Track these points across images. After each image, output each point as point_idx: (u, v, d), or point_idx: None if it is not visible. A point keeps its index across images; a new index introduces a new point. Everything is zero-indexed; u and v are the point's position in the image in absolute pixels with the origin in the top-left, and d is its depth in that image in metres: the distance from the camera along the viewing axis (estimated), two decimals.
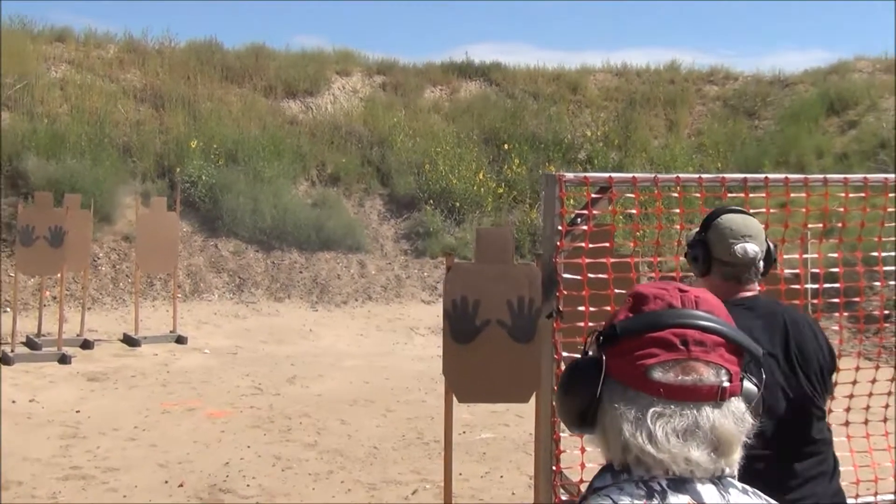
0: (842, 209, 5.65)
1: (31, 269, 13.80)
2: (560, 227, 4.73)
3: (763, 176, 4.99)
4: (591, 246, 4.92)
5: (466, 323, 6.12)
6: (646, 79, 26.24)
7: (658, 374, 1.79)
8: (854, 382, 6.01)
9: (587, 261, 4.89)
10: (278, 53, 24.54)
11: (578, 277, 4.86)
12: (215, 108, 21.19)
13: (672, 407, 1.78)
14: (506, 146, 22.41)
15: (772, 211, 5.27)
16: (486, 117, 23.44)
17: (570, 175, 4.76)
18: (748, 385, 1.87)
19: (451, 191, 20.67)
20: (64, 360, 12.72)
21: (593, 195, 4.88)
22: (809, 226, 5.72)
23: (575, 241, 4.87)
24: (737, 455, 1.83)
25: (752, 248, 3.67)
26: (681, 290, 1.88)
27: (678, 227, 5.31)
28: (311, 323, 16.31)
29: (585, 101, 25.21)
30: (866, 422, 6.16)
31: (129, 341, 14.09)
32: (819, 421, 3.76)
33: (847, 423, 5.98)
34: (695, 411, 1.78)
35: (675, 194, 4.83)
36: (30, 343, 13.38)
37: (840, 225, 5.59)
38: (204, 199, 18.76)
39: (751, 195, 4.97)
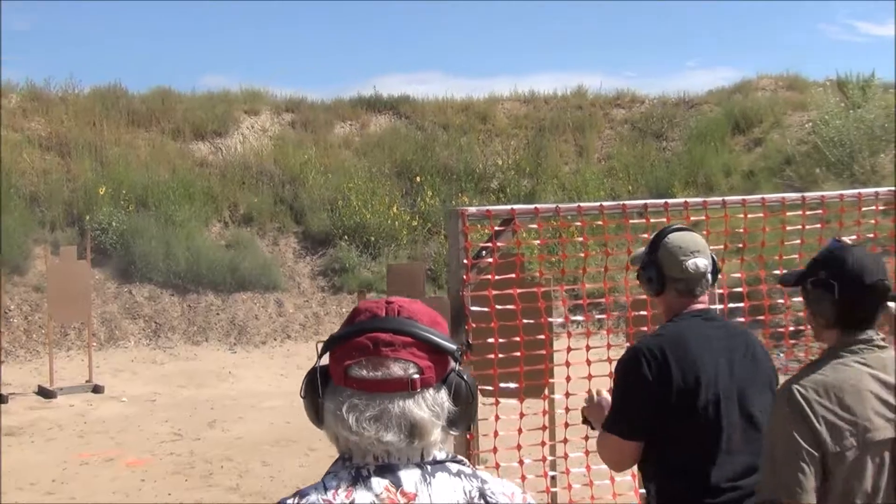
0: (742, 229, 5.77)
1: None
2: (466, 261, 4.78)
3: (662, 201, 5.09)
4: (497, 278, 4.97)
5: None
6: (554, 105, 26.50)
7: (354, 372, 2.09)
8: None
9: (494, 293, 4.94)
10: (185, 96, 24.43)
11: (487, 309, 4.91)
12: (123, 154, 21.02)
13: (364, 399, 2.08)
14: (418, 179, 22.51)
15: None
16: (397, 151, 23.53)
17: (472, 209, 4.82)
18: (455, 377, 2.14)
19: (365, 225, 20.69)
20: None
21: (497, 227, 4.94)
22: (711, 247, 5.81)
23: (482, 274, 4.92)
24: (434, 437, 2.12)
25: (703, 262, 3.83)
26: (388, 303, 2.18)
27: (583, 254, 5.39)
28: (230, 365, 16.19)
29: (495, 130, 25.39)
30: None
31: (45, 393, 13.87)
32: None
33: None
34: (386, 401, 2.08)
35: (579, 223, 4.90)
36: None
37: (741, 245, 5.72)
38: (115, 245, 18.57)
39: (652, 220, 5.07)
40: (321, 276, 20.07)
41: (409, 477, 2.09)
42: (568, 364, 4.97)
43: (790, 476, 3.19)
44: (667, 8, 63.02)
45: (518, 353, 5.04)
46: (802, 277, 3.51)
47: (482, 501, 2.13)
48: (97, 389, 14.13)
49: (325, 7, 57.00)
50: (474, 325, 4.79)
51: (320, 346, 2.18)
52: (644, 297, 5.17)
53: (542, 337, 5.12)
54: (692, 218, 5.29)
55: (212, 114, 23.30)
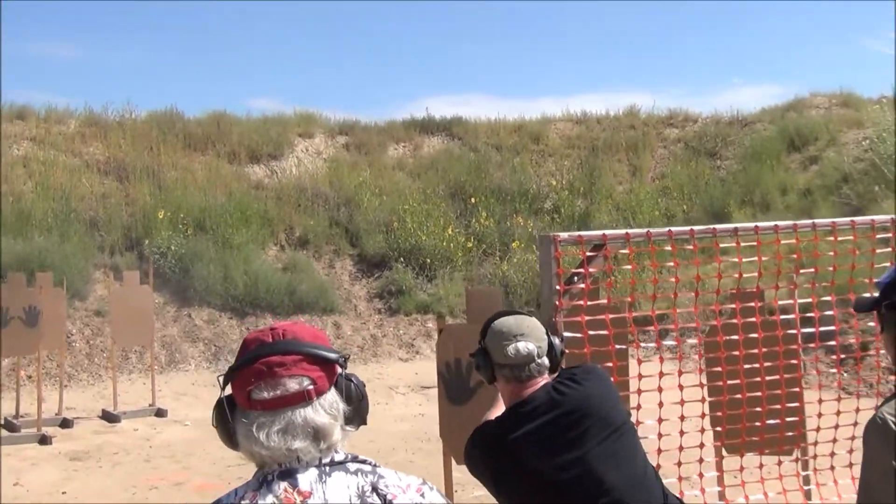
0: (814, 252, 5.70)
1: (8, 350, 13.58)
2: (558, 287, 4.75)
3: (753, 225, 5.04)
4: (589, 303, 4.94)
5: (461, 384, 6.12)
6: (606, 125, 26.46)
7: (256, 395, 2.39)
8: (838, 413, 5.99)
9: (586, 318, 4.91)
10: (240, 119, 24.66)
11: (580, 335, 4.87)
12: (180, 177, 21.19)
13: (270, 416, 2.38)
14: (472, 200, 22.53)
15: (752, 257, 5.31)
16: (450, 172, 23.57)
17: (564, 235, 4.79)
18: (344, 381, 2.48)
19: (420, 247, 20.71)
20: (44, 440, 12.57)
21: (588, 253, 4.91)
22: (781, 270, 5.75)
23: (573, 300, 4.89)
24: (336, 437, 2.43)
25: (525, 346, 3.70)
26: (272, 329, 2.49)
27: (674, 279, 5.34)
28: None
29: (548, 150, 25.38)
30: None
31: (109, 417, 13.93)
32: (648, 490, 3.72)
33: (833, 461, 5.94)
34: (289, 413, 2.38)
35: (669, 248, 4.86)
36: (8, 425, 13.19)
37: (813, 270, 5.64)
38: (174, 269, 18.69)
39: (742, 244, 5.02)
40: (377, 299, 20.09)
41: (307, 478, 2.38)
42: (660, 389, 4.92)
43: None
44: (712, 26, 62.85)
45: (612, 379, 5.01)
46: (877, 302, 3.39)
47: (374, 494, 2.41)
48: (160, 413, 14.18)
49: (373, 30, 57.32)
50: (567, 352, 4.75)
51: (221, 378, 2.47)
52: (734, 320, 5.13)
53: (630, 362, 5.09)
54: (783, 241, 5.22)
55: (266, 137, 23.47)
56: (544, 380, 3.76)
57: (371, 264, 20.93)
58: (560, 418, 3.66)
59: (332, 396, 2.44)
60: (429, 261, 20.59)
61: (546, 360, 3.77)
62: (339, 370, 2.48)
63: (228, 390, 2.46)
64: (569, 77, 58.89)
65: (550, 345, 3.81)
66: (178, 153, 22.18)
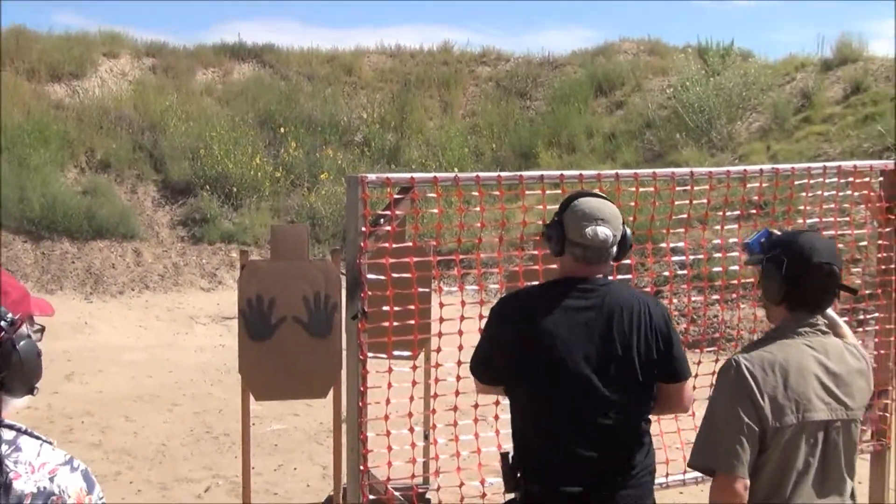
0: (617, 202, 5.78)
1: None
2: (364, 229, 4.71)
3: (559, 173, 5.09)
4: (394, 246, 4.92)
5: (262, 321, 6.07)
6: (420, 60, 26.43)
7: None
8: None
9: (391, 261, 4.89)
10: (41, 35, 23.63)
11: (383, 278, 4.85)
12: None
13: None
14: (282, 129, 22.24)
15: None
16: (260, 100, 23.19)
17: (372, 176, 4.73)
18: (6, 345, 2.30)
19: (227, 176, 20.37)
20: None
21: (395, 195, 4.88)
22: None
23: (378, 242, 4.86)
24: None
25: (603, 231, 3.72)
26: None
27: (479, 224, 5.37)
28: (86, 315, 15.75)
29: (361, 82, 25.24)
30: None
31: None
32: (639, 418, 3.82)
33: None
34: None
35: (476, 192, 4.87)
36: None
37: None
38: None
39: (548, 192, 5.07)
40: (181, 226, 19.69)
41: None
42: (461, 332, 4.96)
43: (729, 449, 3.30)
44: None
45: (413, 322, 5.02)
46: (763, 255, 3.61)
47: None
48: None
49: None
50: (370, 294, 4.73)
51: None
52: (535, 266, 5.19)
53: (434, 305, 5.12)
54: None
55: (69, 55, 22.60)
56: (607, 266, 3.87)
57: (175, 191, 20.48)
58: (610, 311, 3.72)
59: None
60: (235, 189, 20.29)
61: (614, 250, 3.83)
62: (4, 332, 2.31)
63: None
64: (383, 6, 58.55)
65: (624, 235, 3.86)
66: None
